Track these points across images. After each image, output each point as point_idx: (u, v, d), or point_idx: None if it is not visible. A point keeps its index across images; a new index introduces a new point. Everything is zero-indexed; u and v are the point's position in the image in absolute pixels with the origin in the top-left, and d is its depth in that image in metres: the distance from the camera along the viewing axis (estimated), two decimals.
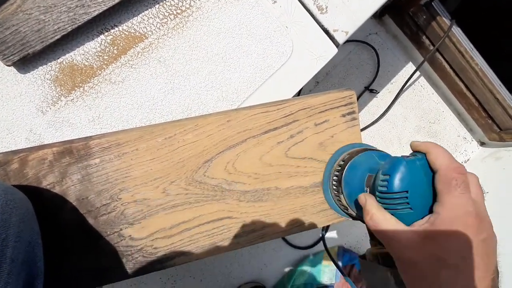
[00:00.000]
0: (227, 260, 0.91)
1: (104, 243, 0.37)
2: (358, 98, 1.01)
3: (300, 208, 0.42)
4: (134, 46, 0.43)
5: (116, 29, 0.42)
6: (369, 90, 1.01)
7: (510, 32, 1.16)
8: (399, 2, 0.91)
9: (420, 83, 1.05)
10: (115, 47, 0.42)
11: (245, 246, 0.41)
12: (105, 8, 0.40)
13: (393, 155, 0.34)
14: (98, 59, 0.42)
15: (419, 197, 0.28)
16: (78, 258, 0.36)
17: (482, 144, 1.06)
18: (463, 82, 0.95)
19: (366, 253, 0.37)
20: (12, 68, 0.40)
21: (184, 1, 0.44)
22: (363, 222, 0.33)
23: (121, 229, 0.37)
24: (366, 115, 1.02)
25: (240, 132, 0.39)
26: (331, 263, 0.94)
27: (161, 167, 0.38)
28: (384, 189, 0.29)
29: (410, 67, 1.04)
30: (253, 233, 0.41)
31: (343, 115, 0.42)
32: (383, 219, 0.29)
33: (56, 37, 0.39)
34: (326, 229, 0.97)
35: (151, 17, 0.43)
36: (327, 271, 0.93)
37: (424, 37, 0.94)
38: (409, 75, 0.98)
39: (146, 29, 0.43)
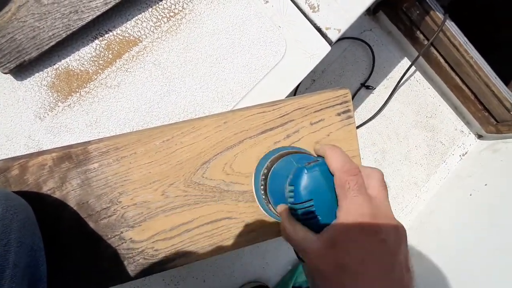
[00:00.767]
0: (230, 260, 0.92)
1: (105, 246, 0.37)
2: (354, 95, 1.02)
3: None
4: (128, 50, 0.43)
5: (111, 33, 0.43)
6: (365, 86, 1.02)
7: (502, 22, 1.17)
8: None
9: (415, 78, 1.06)
10: (110, 52, 0.43)
11: (245, 246, 0.41)
12: (99, 13, 0.40)
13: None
14: (93, 64, 0.42)
15: (324, 203, 0.28)
16: (80, 261, 0.37)
17: (480, 137, 1.07)
18: (458, 75, 0.96)
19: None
20: (9, 75, 0.41)
21: (177, 4, 0.45)
22: None
23: (121, 232, 0.38)
24: (363, 111, 1.02)
25: (237, 133, 0.40)
26: None
27: (160, 170, 0.38)
28: (291, 200, 0.29)
29: (405, 63, 1.04)
30: (252, 233, 0.41)
31: (338, 114, 0.43)
32: (292, 231, 0.29)
33: (51, 44, 0.40)
34: None
35: (144, 21, 0.44)
36: None
37: (418, 32, 0.95)
38: (404, 71, 0.98)
39: (140, 32, 0.44)
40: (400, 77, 0.99)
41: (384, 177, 0.30)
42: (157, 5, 0.44)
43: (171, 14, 0.44)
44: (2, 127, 0.41)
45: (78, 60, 0.42)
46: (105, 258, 0.37)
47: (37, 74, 0.42)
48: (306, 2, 0.48)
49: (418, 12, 0.92)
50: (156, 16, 0.44)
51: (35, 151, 0.41)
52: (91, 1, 0.40)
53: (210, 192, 0.39)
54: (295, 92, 0.98)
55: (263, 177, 0.38)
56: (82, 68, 0.42)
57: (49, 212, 0.36)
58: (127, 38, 0.43)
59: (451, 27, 0.90)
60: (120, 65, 0.43)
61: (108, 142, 0.37)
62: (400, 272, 0.26)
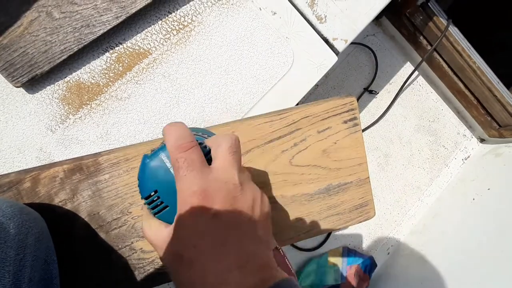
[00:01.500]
0: None
1: (116, 257, 0.38)
2: (357, 100, 1.02)
3: (306, 215, 0.43)
4: (138, 62, 0.44)
5: (121, 46, 0.43)
6: (369, 91, 1.02)
7: (503, 22, 1.17)
8: (396, 4, 0.92)
9: (418, 82, 1.06)
10: (120, 64, 0.43)
11: None
12: (110, 27, 0.41)
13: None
14: (104, 76, 0.43)
15: (170, 191, 0.25)
16: (92, 272, 0.37)
17: (482, 140, 1.07)
18: (461, 80, 0.96)
19: None
20: (20, 89, 0.41)
21: (186, 16, 0.45)
22: None
23: (132, 243, 0.38)
24: (366, 116, 1.03)
25: (245, 142, 0.40)
26: (337, 264, 0.95)
27: None
28: (141, 195, 0.27)
29: (408, 67, 1.05)
30: None
31: (345, 122, 0.43)
32: (147, 227, 0.27)
33: (63, 57, 0.40)
34: None
35: (154, 33, 0.44)
36: (332, 272, 0.94)
37: (421, 37, 0.95)
38: (407, 75, 0.99)
39: (150, 45, 0.44)
40: (403, 82, 1.00)
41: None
42: (166, 17, 0.44)
43: (181, 26, 0.45)
44: (14, 140, 0.41)
45: (89, 73, 0.43)
46: (117, 268, 0.38)
47: (48, 87, 0.42)
48: (313, 13, 0.49)
49: (421, 17, 0.92)
50: (165, 29, 0.44)
51: (46, 163, 0.41)
52: (102, 15, 0.40)
53: None
54: None
55: None
56: (92, 81, 0.43)
57: (61, 223, 0.36)
58: (137, 51, 0.44)
59: (454, 32, 0.91)
60: (130, 77, 0.43)
61: (118, 153, 0.37)
62: (239, 243, 0.24)
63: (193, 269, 0.23)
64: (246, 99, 0.47)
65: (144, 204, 0.27)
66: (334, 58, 0.49)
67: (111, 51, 0.43)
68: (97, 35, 0.40)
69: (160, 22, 0.44)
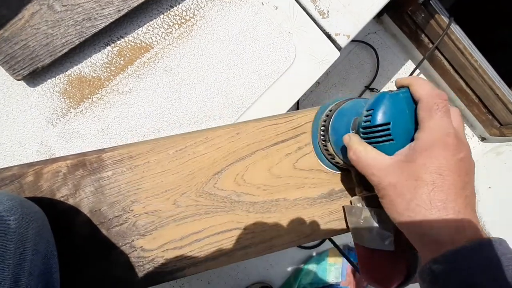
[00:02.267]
0: None
1: (117, 254, 0.38)
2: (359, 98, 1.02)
3: (308, 219, 0.43)
4: (140, 56, 0.43)
5: (122, 40, 0.43)
6: (370, 89, 1.02)
7: (505, 20, 1.17)
8: (397, 2, 0.91)
9: None
10: (122, 58, 0.43)
11: (254, 257, 0.41)
12: (111, 20, 0.41)
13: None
14: (105, 70, 0.43)
15: (402, 128, 0.29)
16: (92, 268, 0.37)
17: (483, 139, 1.07)
18: (462, 79, 0.96)
19: (351, 200, 0.39)
20: (22, 82, 0.41)
21: (188, 11, 0.45)
22: (350, 168, 0.33)
23: (132, 240, 0.38)
24: None
25: (249, 144, 0.40)
26: (337, 262, 0.95)
27: (172, 179, 0.38)
28: (367, 123, 0.30)
29: (410, 65, 1.04)
30: (262, 244, 0.41)
31: None
32: (364, 152, 0.30)
33: (65, 51, 0.40)
34: None
35: (156, 27, 0.44)
36: (333, 270, 0.94)
37: (423, 35, 0.95)
38: (409, 73, 0.99)
39: (152, 39, 0.44)
40: None
41: None
42: (168, 11, 0.44)
43: (182, 20, 0.45)
44: (15, 133, 0.41)
45: (90, 66, 0.42)
46: (117, 265, 0.38)
47: (49, 81, 0.42)
48: (315, 9, 0.49)
49: (423, 15, 0.92)
50: (167, 23, 0.44)
51: (47, 157, 0.41)
52: (104, 8, 0.40)
53: (221, 203, 0.40)
54: None
55: (325, 117, 0.39)
56: (94, 75, 0.42)
57: (62, 219, 0.36)
58: (138, 45, 0.43)
59: (456, 30, 0.90)
60: (132, 71, 0.43)
61: (122, 150, 0.37)
62: (471, 192, 0.27)
63: (438, 191, 0.26)
64: (248, 93, 0.46)
65: (362, 132, 0.30)
66: (336, 54, 0.49)
67: (112, 45, 0.43)
68: (99, 29, 0.40)
69: (162, 16, 0.44)
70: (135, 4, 0.41)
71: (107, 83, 0.43)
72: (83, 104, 0.42)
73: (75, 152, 0.39)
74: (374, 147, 0.30)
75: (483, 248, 0.25)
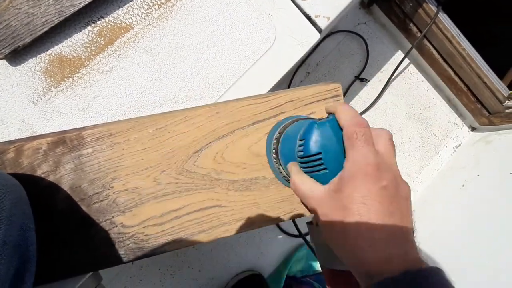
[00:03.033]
0: (225, 249, 0.93)
1: (97, 230, 0.38)
2: (348, 88, 1.03)
3: (287, 197, 0.43)
4: (120, 36, 0.44)
5: (103, 20, 0.44)
6: (360, 79, 1.03)
7: (498, 17, 1.18)
8: None
9: (409, 70, 1.07)
10: (102, 38, 0.44)
11: (234, 234, 0.41)
12: (91, 0, 0.41)
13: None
14: (86, 50, 0.43)
15: (333, 156, 0.29)
16: (72, 244, 0.38)
17: (473, 129, 1.08)
18: (451, 67, 0.97)
19: (312, 218, 0.39)
20: (3, 61, 0.42)
21: None
22: None
23: (113, 217, 0.38)
24: (357, 104, 1.03)
25: (229, 123, 0.40)
26: None
27: (152, 157, 0.39)
28: (301, 153, 0.31)
29: (399, 55, 1.05)
30: (241, 221, 0.42)
31: None
32: (301, 183, 0.31)
33: (45, 29, 0.41)
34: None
35: (136, 8, 0.44)
36: None
37: (411, 24, 0.95)
38: (398, 62, 0.99)
39: (132, 19, 0.44)
40: (393, 70, 1.00)
41: None
42: None
43: (163, 1, 0.45)
44: None
45: (71, 46, 0.43)
46: (96, 241, 0.38)
47: (31, 60, 0.42)
48: None
49: (411, 4, 0.92)
50: (147, 3, 0.45)
51: (29, 135, 0.42)
52: None
53: (201, 180, 0.40)
54: (289, 85, 0.99)
55: (275, 141, 0.39)
56: (74, 54, 0.43)
57: (43, 195, 0.37)
58: (119, 25, 0.44)
59: (444, 19, 0.91)
60: (112, 51, 0.44)
61: (102, 128, 0.37)
62: (401, 218, 0.27)
63: (361, 221, 0.26)
64: (228, 74, 0.47)
65: (300, 162, 0.32)
66: (316, 36, 0.50)
67: (92, 25, 0.43)
68: (78, 8, 0.41)
69: None
70: None
71: (88, 63, 0.43)
72: (64, 83, 0.43)
73: (56, 130, 0.39)
74: (312, 176, 0.31)
75: (413, 279, 0.24)
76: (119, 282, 0.86)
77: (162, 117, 0.39)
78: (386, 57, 1.05)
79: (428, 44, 0.96)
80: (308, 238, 0.96)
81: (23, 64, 0.42)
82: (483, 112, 1.00)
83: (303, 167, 0.32)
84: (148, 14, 0.45)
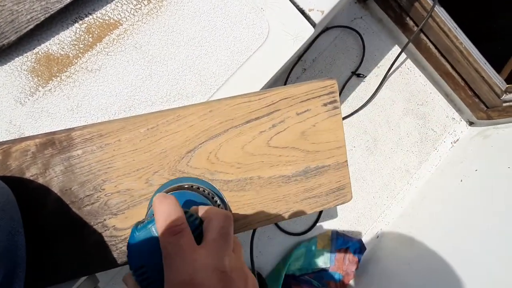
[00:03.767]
0: None
1: (88, 233, 0.37)
2: (345, 83, 1.02)
3: (283, 197, 0.43)
4: (109, 34, 0.43)
5: (90, 17, 0.43)
6: (356, 74, 1.02)
7: (496, 11, 1.17)
8: None
9: (406, 65, 1.06)
10: (90, 35, 0.42)
11: None
12: None
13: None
14: (73, 48, 0.42)
15: (158, 268, 0.24)
16: (63, 248, 0.37)
17: (471, 124, 1.07)
18: (448, 62, 0.96)
19: None
20: None
21: None
22: None
23: (104, 220, 0.38)
24: (354, 99, 1.02)
25: (222, 122, 0.40)
26: (326, 247, 0.95)
27: (144, 157, 0.38)
28: (130, 268, 0.26)
29: (396, 50, 1.04)
30: (236, 222, 0.41)
31: (325, 104, 0.43)
32: None
33: (30, 27, 0.39)
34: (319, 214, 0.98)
35: (124, 4, 0.43)
36: (321, 256, 0.94)
37: (408, 18, 0.94)
38: (395, 57, 0.98)
39: (120, 15, 0.43)
40: (390, 65, 0.99)
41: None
42: None
43: None
44: None
45: (58, 44, 0.42)
46: (88, 245, 0.37)
47: (17, 59, 0.41)
48: None
49: None
50: None
51: (16, 136, 0.41)
52: None
53: None
54: (285, 81, 0.98)
55: (150, 206, 0.37)
56: (62, 52, 0.42)
57: (32, 198, 0.36)
58: (107, 21, 0.43)
59: (441, 13, 0.90)
60: (101, 48, 0.43)
61: (91, 129, 0.36)
62: None
63: None
64: (221, 71, 0.46)
65: (131, 275, 0.26)
66: (310, 30, 0.49)
67: (80, 22, 0.42)
68: (65, 4, 0.40)
69: None
70: None
71: (76, 61, 0.42)
72: (51, 83, 0.42)
73: (45, 131, 0.38)
74: None
75: None
76: (116, 284, 0.85)
77: (153, 117, 0.38)
78: (383, 52, 1.04)
79: (425, 38, 0.95)
80: (307, 235, 0.95)
81: (9, 63, 0.41)
82: (480, 106, 0.99)
83: (136, 280, 0.26)
84: (137, 9, 0.44)
